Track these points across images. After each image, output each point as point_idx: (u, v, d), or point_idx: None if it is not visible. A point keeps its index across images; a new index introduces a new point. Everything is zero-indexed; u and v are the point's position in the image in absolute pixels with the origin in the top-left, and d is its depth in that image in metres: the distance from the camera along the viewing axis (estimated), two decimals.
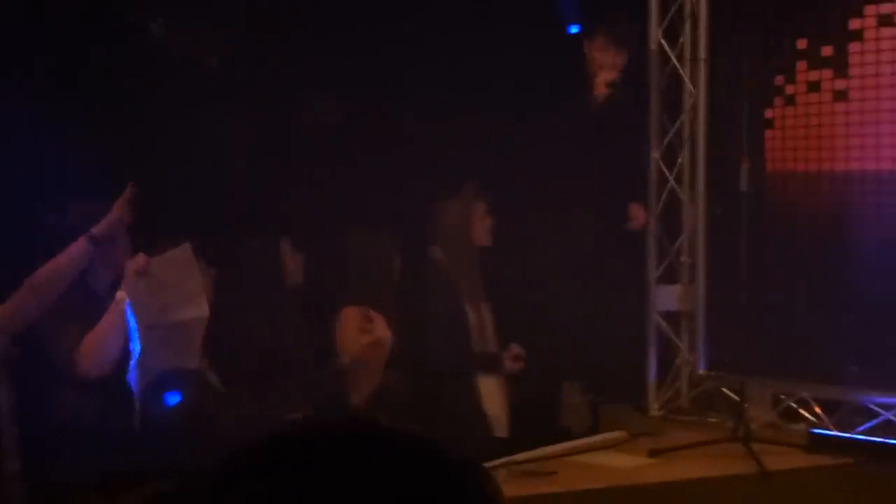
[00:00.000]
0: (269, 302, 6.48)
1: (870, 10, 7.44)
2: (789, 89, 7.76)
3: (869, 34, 7.45)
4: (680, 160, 7.92)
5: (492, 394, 7.06)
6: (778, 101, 7.80)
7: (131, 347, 5.58)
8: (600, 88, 7.62)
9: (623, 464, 7.08)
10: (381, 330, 6.47)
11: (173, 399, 5.62)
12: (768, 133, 7.84)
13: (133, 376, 5.57)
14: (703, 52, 7.92)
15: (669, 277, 7.95)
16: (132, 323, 5.56)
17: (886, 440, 7.17)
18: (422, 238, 7.23)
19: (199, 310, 5.88)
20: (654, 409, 7.92)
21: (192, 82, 7.28)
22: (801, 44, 7.69)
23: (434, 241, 7.20)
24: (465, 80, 7.56)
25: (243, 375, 6.04)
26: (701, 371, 7.96)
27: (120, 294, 5.60)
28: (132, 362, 5.58)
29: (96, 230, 5.66)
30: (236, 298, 6.32)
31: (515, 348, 7.14)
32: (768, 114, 7.82)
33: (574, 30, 7.84)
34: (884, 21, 7.40)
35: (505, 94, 7.48)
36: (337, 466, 1.70)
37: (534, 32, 7.72)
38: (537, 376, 7.34)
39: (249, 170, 7.41)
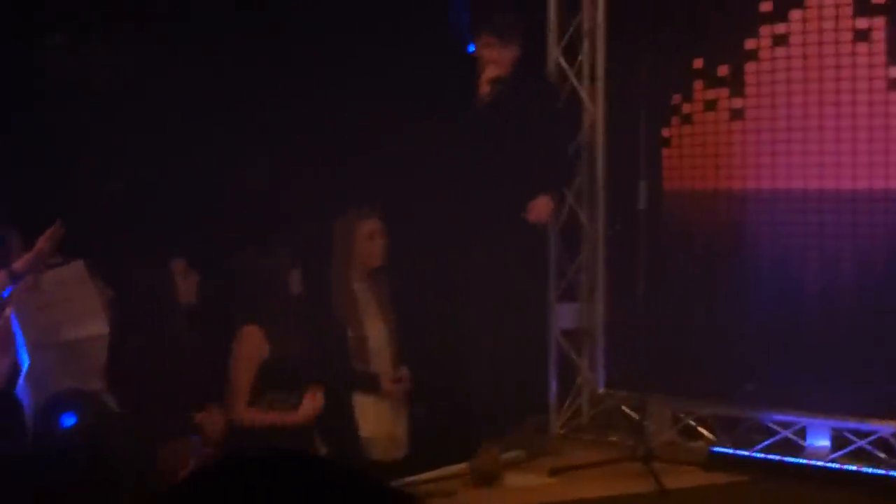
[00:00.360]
0: (163, 322, 6.37)
1: (765, 30, 7.51)
2: (686, 108, 7.80)
3: (764, 54, 7.52)
4: (579, 178, 7.92)
5: (373, 414, 6.94)
6: (675, 119, 7.84)
7: (20, 362, 5.44)
8: (484, 86, 7.26)
9: (524, 483, 7.04)
10: (308, 409, 6.39)
11: (69, 420, 5.48)
12: (666, 151, 7.88)
13: (23, 392, 5.43)
14: (600, 71, 7.95)
15: (570, 295, 7.95)
16: (20, 338, 5.42)
17: (784, 458, 7.21)
18: (318, 256, 7.15)
19: (95, 328, 5.74)
20: (556, 428, 7.90)
21: (84, 100, 7.16)
22: (698, 63, 7.75)
23: (329, 260, 7.12)
24: (364, 96, 7.51)
25: (139, 397, 5.92)
26: (601, 390, 7.97)
27: (7, 309, 5.45)
28: (21, 377, 5.43)
29: (18, 265, 5.48)
30: (130, 319, 6.20)
31: (403, 371, 7.04)
32: (666, 132, 7.86)
33: (471, 49, 7.79)
34: (778, 41, 7.46)
35: (402, 109, 7.44)
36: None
37: (427, 47, 7.69)
38: (440, 397, 7.28)
39: (144, 188, 7.30)
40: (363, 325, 7.02)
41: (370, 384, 6.94)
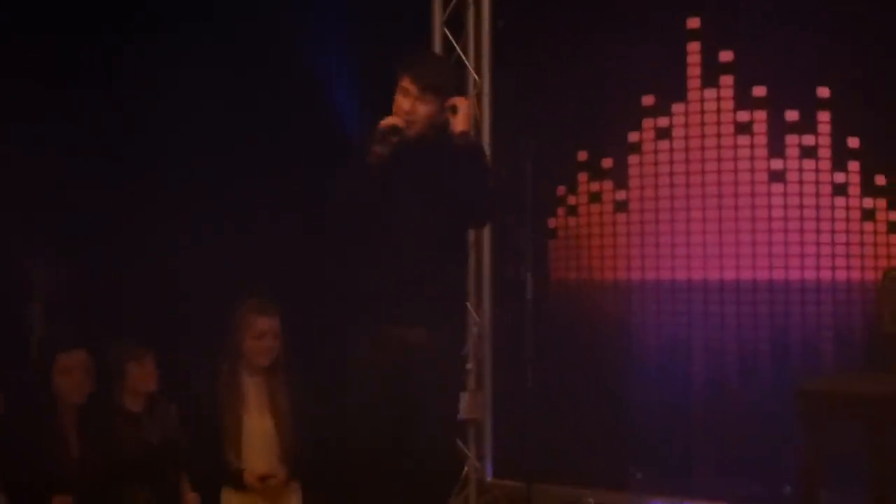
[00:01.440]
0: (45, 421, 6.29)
1: (647, 123, 7.67)
2: (571, 200, 7.91)
3: (647, 147, 7.67)
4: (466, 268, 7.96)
5: None
6: (560, 211, 7.95)
7: None
8: (379, 139, 5.61)
9: None
10: None
11: None
12: (552, 243, 7.97)
13: None
14: None
15: None
16: None
17: None
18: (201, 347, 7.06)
19: None
20: None
21: None
22: (582, 156, 7.87)
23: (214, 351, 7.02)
24: (253, 191, 7.50)
25: (31, 496, 5.81)
26: (489, 479, 7.96)
27: None
28: None
29: None
30: (16, 417, 6.15)
31: (280, 469, 6.88)
32: (551, 223, 7.96)
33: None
34: (661, 134, 7.62)
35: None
36: None
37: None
38: (331, 493, 7.17)
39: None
40: (242, 419, 6.88)
41: (234, 479, 6.81)
